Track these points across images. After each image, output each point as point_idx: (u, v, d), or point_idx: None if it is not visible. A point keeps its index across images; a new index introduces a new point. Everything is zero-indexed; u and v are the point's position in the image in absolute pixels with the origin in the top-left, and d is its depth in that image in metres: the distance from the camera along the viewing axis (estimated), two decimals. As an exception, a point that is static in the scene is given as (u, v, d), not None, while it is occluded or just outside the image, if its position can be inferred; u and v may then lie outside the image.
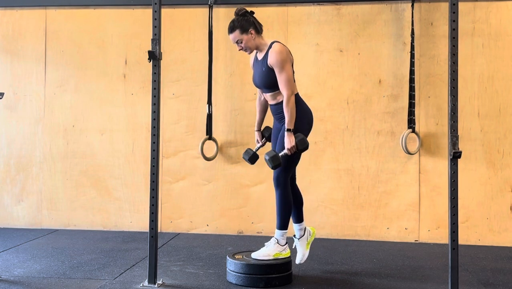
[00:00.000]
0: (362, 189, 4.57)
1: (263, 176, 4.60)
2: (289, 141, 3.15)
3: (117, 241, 4.42)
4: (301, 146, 3.18)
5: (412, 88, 4.42)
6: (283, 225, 3.28)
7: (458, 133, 2.89)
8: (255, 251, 3.31)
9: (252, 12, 3.30)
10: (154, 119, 3.18)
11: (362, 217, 4.57)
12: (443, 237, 4.44)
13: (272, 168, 3.18)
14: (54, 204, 4.90)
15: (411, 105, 4.41)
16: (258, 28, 3.27)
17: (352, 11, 4.60)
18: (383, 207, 4.55)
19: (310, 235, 3.52)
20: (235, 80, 4.72)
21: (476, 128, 4.45)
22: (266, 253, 3.25)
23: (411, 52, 4.44)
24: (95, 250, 4.07)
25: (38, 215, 4.91)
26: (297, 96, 3.29)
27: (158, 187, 3.22)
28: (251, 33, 3.23)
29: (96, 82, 4.87)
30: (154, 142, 3.17)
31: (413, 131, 4.42)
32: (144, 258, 3.76)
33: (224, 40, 4.72)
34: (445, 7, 4.45)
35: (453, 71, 2.89)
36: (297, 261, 3.45)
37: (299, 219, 3.47)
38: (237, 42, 3.27)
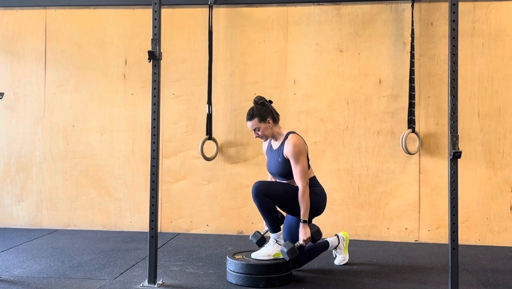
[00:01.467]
0: (362, 189, 4.57)
1: (263, 176, 4.59)
2: (304, 232, 3.23)
3: (117, 241, 4.42)
4: (317, 237, 3.28)
5: (412, 88, 4.42)
6: (274, 228, 3.32)
7: (458, 133, 2.89)
8: (255, 251, 3.32)
9: (271, 102, 3.39)
10: (154, 119, 3.18)
11: (362, 217, 4.57)
12: (443, 237, 4.44)
13: (289, 261, 3.24)
14: (54, 204, 4.90)
15: (411, 105, 4.41)
16: (275, 118, 3.36)
17: (352, 11, 4.60)
18: (383, 207, 4.55)
19: (344, 240, 3.72)
20: (235, 80, 4.72)
21: (476, 128, 4.45)
22: (266, 253, 3.26)
23: (411, 52, 4.44)
24: (95, 250, 4.07)
25: (38, 215, 4.91)
26: (314, 178, 3.40)
27: (158, 187, 3.22)
28: (269, 122, 3.32)
29: (96, 82, 4.87)
30: (154, 142, 3.17)
31: (413, 131, 4.41)
32: (144, 258, 3.76)
33: (224, 40, 4.73)
34: (445, 7, 4.45)
35: (453, 71, 2.89)
36: (336, 262, 3.70)
37: (325, 248, 3.62)
38: (254, 130, 3.35)
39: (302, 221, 3.24)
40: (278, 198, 3.28)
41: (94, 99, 4.87)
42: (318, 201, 3.37)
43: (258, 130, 3.33)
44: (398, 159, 4.52)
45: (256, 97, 3.36)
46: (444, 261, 3.75)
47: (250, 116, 3.33)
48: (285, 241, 3.29)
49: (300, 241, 3.24)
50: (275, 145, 3.39)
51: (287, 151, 3.27)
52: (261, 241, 3.50)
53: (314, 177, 3.44)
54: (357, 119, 4.58)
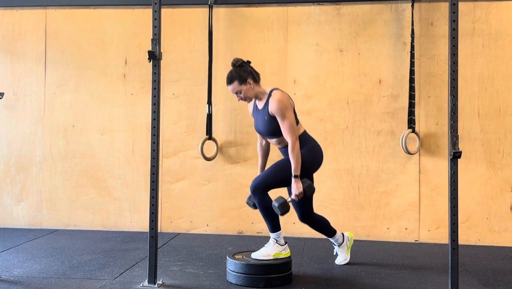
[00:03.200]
0: (362, 189, 4.57)
1: (263, 176, 4.60)
2: (296, 187, 3.22)
3: (117, 241, 4.42)
4: (309, 192, 3.25)
5: (412, 88, 4.42)
6: (274, 228, 3.31)
7: (458, 133, 2.89)
8: (255, 251, 3.32)
9: (249, 62, 3.33)
10: (154, 119, 3.18)
11: (362, 217, 4.57)
12: (443, 237, 4.44)
13: (281, 215, 3.22)
14: (54, 204, 4.90)
15: (411, 105, 4.41)
16: (255, 78, 3.29)
17: (352, 11, 4.60)
18: (383, 207, 4.55)
19: (348, 240, 3.72)
20: (235, 80, 4.71)
21: (476, 128, 4.45)
22: (266, 253, 3.25)
23: (411, 52, 4.43)
24: (95, 250, 4.07)
25: (38, 215, 4.91)
26: (304, 135, 3.34)
27: (158, 187, 3.22)
28: (250, 83, 3.26)
29: (96, 82, 4.87)
30: (154, 142, 3.17)
31: (413, 131, 4.41)
32: (144, 258, 3.76)
33: (224, 40, 4.72)
34: (445, 7, 4.45)
35: (453, 71, 2.89)
36: (337, 262, 3.70)
37: (331, 234, 3.63)
38: (236, 93, 3.30)
39: (293, 176, 3.21)
40: (275, 180, 3.27)
41: (94, 99, 4.87)
42: (312, 157, 3.34)
43: (240, 93, 3.27)
44: (398, 159, 4.52)
45: (234, 60, 3.28)
46: (444, 261, 3.75)
47: (230, 80, 3.27)
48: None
49: (292, 196, 3.22)
50: (260, 104, 3.33)
51: (272, 108, 3.21)
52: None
53: (305, 131, 3.37)
54: (357, 119, 4.58)
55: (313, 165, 3.39)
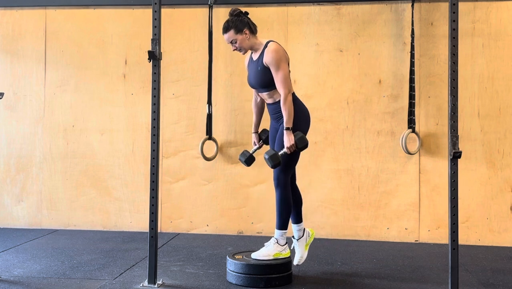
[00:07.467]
0: (362, 189, 4.57)
1: (263, 176, 4.61)
2: (288, 140, 3.15)
3: (117, 241, 4.42)
4: (301, 144, 3.16)
5: (412, 88, 4.42)
6: (283, 225, 3.28)
7: (458, 133, 2.89)
8: (255, 251, 3.31)
9: (247, 13, 3.31)
10: (154, 119, 3.18)
11: (362, 217, 4.57)
12: (443, 237, 4.44)
13: (272, 167, 3.17)
14: (54, 204, 4.90)
15: (411, 105, 4.41)
16: (252, 29, 3.28)
17: (352, 11, 4.60)
18: (383, 207, 4.55)
19: (309, 236, 3.51)
20: (235, 80, 4.72)
21: (476, 128, 4.45)
22: (266, 253, 3.25)
23: (411, 52, 4.44)
24: (95, 250, 4.07)
25: (38, 215, 4.91)
26: (293, 96, 3.29)
27: (158, 187, 3.22)
28: (246, 33, 3.25)
29: (96, 82, 4.87)
30: (154, 143, 3.17)
31: (413, 131, 4.42)
32: (144, 258, 3.76)
33: (224, 40, 4.71)
34: (445, 7, 4.45)
35: (453, 71, 2.89)
36: (295, 262, 3.43)
37: (298, 220, 3.45)
38: (231, 42, 3.29)
39: (285, 128, 3.17)
40: (285, 159, 3.18)
41: (94, 99, 4.87)
42: (302, 116, 3.25)
43: (235, 43, 3.27)
44: (398, 159, 4.52)
45: (232, 9, 3.28)
46: (444, 261, 3.76)
47: (226, 28, 3.26)
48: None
49: (284, 149, 3.17)
50: (255, 55, 3.32)
51: (267, 58, 3.19)
52: (250, 159, 3.41)
53: (294, 93, 3.31)
54: (357, 119, 4.58)
55: (304, 124, 3.29)
